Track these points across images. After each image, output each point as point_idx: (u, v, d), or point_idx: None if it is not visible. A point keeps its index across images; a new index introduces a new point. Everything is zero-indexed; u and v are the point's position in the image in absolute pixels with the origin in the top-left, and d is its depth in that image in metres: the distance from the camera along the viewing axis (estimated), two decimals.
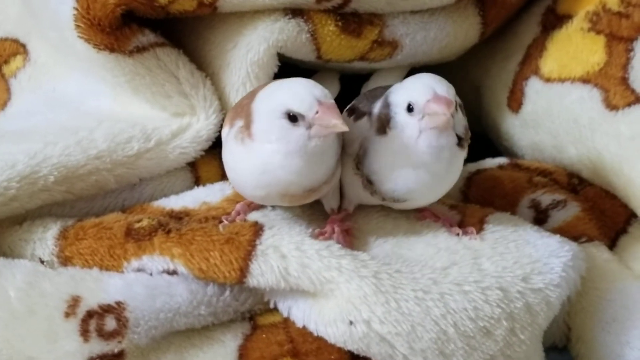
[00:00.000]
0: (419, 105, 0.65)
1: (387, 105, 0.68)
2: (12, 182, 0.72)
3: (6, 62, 0.94)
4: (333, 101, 0.64)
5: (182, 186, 0.81)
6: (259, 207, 0.75)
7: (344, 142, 0.71)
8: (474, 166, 0.87)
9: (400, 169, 0.68)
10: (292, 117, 0.64)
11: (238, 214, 0.73)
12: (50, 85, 0.90)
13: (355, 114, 0.72)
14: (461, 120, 0.68)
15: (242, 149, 0.67)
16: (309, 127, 0.64)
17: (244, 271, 0.67)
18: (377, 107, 0.70)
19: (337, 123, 0.63)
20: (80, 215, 0.77)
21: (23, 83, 0.92)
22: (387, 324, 0.64)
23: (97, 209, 0.78)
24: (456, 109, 0.66)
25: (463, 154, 0.69)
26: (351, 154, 0.71)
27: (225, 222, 0.71)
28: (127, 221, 0.72)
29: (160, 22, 0.81)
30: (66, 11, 0.77)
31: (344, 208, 0.74)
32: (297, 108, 0.64)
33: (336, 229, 0.71)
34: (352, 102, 0.76)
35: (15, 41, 0.95)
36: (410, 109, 0.66)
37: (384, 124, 0.68)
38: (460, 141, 0.67)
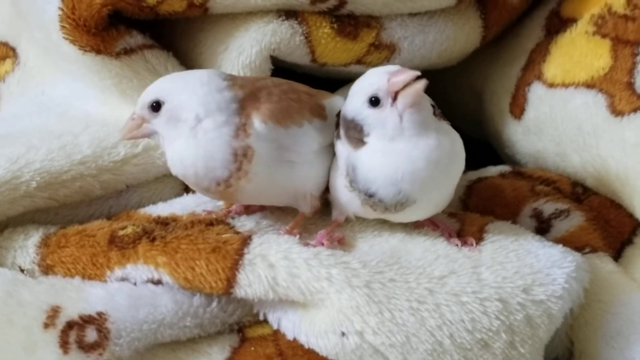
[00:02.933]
0: (383, 89, 0.63)
1: (348, 124, 0.66)
2: None
3: None
4: None
5: (171, 193, 0.79)
6: (254, 212, 0.74)
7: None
8: (474, 174, 0.85)
9: (396, 165, 0.65)
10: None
11: (229, 212, 0.73)
12: (39, 89, 0.88)
13: (337, 130, 0.70)
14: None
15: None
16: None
17: (231, 281, 0.65)
18: (340, 133, 0.68)
19: None
20: (64, 222, 0.75)
21: (12, 87, 0.90)
22: (381, 335, 0.62)
23: (82, 217, 0.76)
24: None
25: (448, 132, 0.67)
26: (341, 173, 0.68)
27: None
28: (111, 228, 0.70)
29: (149, 24, 0.80)
30: (52, 11, 0.76)
31: (334, 219, 0.72)
32: None
33: (325, 243, 0.68)
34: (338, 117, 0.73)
35: (5, 44, 0.92)
36: (374, 102, 0.64)
37: (358, 139, 0.66)
38: (434, 110, 0.65)
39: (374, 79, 0.64)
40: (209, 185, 0.67)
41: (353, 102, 0.66)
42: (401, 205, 0.66)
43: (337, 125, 0.70)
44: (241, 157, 0.66)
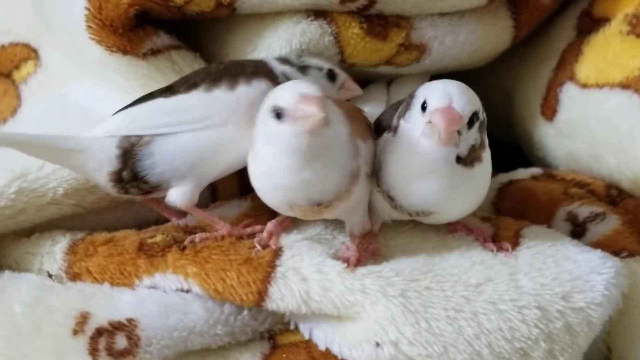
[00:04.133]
0: (429, 109, 0.61)
1: (411, 96, 0.64)
2: (21, 195, 0.70)
3: (17, 67, 0.91)
4: (319, 95, 0.59)
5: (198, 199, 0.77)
6: (289, 225, 0.71)
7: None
8: (505, 177, 0.83)
9: (412, 179, 0.64)
10: (278, 115, 0.59)
11: (270, 235, 0.69)
12: (62, 91, 0.86)
13: (377, 130, 0.69)
14: (469, 139, 0.62)
15: (251, 154, 0.64)
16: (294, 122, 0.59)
17: (262, 294, 0.64)
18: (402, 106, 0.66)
19: (314, 111, 0.57)
20: (91, 228, 0.74)
21: (33, 89, 0.89)
22: (417, 346, 0.61)
23: (107, 222, 0.75)
24: (469, 127, 0.61)
25: (477, 168, 0.64)
26: (373, 171, 0.67)
27: (259, 247, 0.67)
28: (139, 237, 0.69)
29: (176, 24, 0.79)
30: (77, 12, 0.75)
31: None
32: (278, 102, 0.59)
33: (361, 258, 0.66)
34: (378, 117, 0.72)
35: (27, 46, 0.91)
36: (423, 107, 0.61)
37: (400, 116, 0.64)
38: (459, 160, 0.62)
39: (436, 96, 0.61)
40: (304, 204, 0.63)
41: (423, 90, 0.62)
42: (422, 213, 0.65)
43: (376, 127, 0.69)
44: (355, 177, 0.63)
